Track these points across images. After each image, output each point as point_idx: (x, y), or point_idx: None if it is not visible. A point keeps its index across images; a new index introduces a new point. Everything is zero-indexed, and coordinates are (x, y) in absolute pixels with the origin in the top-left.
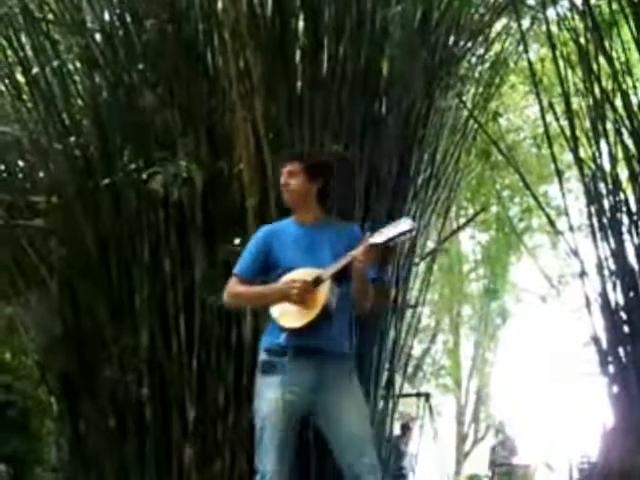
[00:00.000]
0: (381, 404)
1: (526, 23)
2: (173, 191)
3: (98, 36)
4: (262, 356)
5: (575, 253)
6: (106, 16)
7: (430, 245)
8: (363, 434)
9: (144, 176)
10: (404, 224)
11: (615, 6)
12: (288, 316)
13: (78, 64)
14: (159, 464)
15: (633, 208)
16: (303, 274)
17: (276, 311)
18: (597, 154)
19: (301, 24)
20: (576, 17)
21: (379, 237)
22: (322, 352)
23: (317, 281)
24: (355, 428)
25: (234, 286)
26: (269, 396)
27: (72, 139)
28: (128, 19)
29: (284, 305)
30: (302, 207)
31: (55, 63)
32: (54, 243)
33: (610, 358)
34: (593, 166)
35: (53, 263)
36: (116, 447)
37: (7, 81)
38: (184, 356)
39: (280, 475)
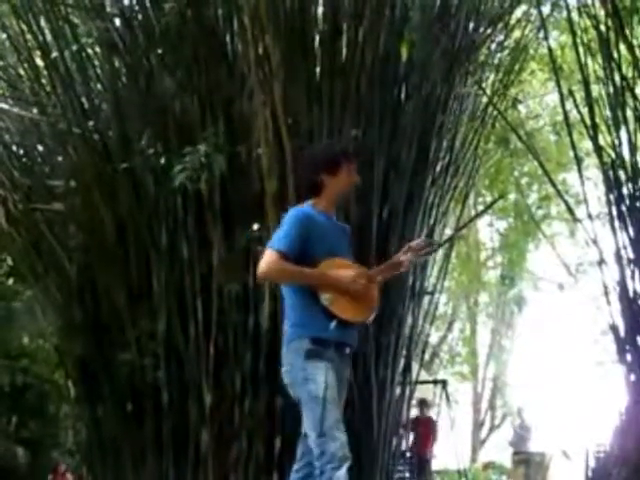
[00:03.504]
0: (398, 390)
1: (546, 10)
2: (196, 181)
3: (117, 20)
4: (306, 344)
5: (594, 241)
6: (125, 0)
7: (448, 232)
8: None
9: (162, 161)
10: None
11: None
12: (341, 306)
13: (97, 48)
14: (176, 448)
15: None
16: (343, 264)
17: (327, 299)
18: (617, 142)
19: (320, 9)
20: (597, 4)
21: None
22: (351, 348)
23: (371, 279)
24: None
25: (278, 261)
26: (322, 378)
27: (91, 123)
28: (147, 3)
29: (332, 294)
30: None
31: (74, 47)
32: (73, 227)
33: (628, 346)
34: (612, 154)
35: (72, 247)
36: (133, 431)
37: (26, 65)
38: (201, 341)
39: (348, 452)
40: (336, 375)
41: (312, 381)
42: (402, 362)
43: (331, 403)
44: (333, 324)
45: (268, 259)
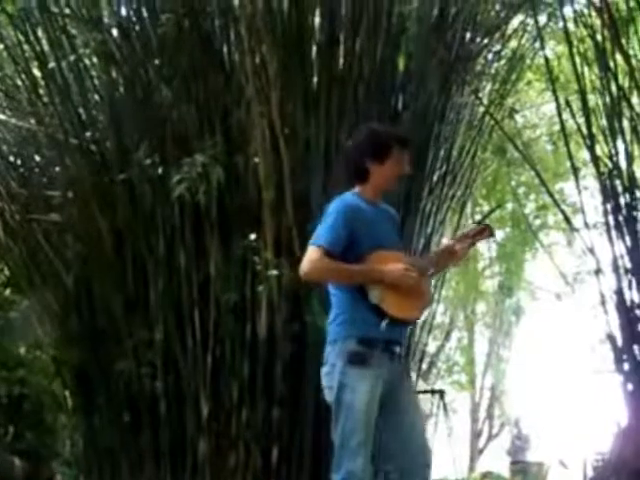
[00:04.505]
0: None
1: (543, 20)
2: (194, 192)
3: (115, 31)
4: (352, 345)
5: (591, 251)
6: (123, 11)
7: (445, 242)
8: (423, 435)
9: (160, 171)
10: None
11: (632, 3)
12: (392, 303)
13: (95, 59)
14: (173, 459)
15: None
16: (392, 258)
17: (376, 296)
18: (613, 152)
19: (317, 20)
20: (593, 14)
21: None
22: (401, 347)
23: (422, 271)
24: (417, 429)
25: (322, 259)
26: (362, 389)
27: (88, 134)
28: (145, 14)
29: (382, 290)
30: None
31: (72, 58)
32: (70, 238)
33: (625, 356)
34: (609, 164)
35: (69, 258)
36: (130, 441)
37: (24, 76)
38: (198, 351)
39: (368, 475)
40: (385, 380)
41: (350, 389)
42: None
43: (364, 417)
44: (384, 323)
45: (311, 257)
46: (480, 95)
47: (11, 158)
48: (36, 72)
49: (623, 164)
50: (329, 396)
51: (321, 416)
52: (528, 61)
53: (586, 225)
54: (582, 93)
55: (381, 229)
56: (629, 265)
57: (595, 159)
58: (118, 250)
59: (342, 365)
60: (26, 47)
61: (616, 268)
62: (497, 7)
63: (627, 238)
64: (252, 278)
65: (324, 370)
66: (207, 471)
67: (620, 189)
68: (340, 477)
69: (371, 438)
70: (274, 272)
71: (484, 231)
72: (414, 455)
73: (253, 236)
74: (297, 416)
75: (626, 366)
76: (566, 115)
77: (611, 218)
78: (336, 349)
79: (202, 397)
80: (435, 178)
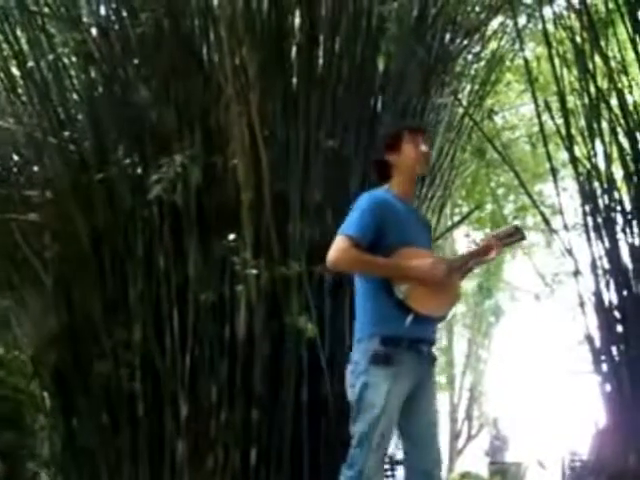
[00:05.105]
0: None
1: (522, 21)
2: (171, 192)
3: (94, 30)
4: (376, 345)
5: (569, 252)
6: (102, 10)
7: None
8: (436, 434)
9: (139, 171)
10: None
11: (611, 5)
12: (419, 299)
13: (73, 58)
14: (152, 459)
15: (627, 207)
16: (420, 254)
17: (402, 291)
18: (592, 153)
19: (297, 20)
20: (572, 16)
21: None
22: (429, 346)
23: (450, 268)
24: (433, 428)
25: (350, 249)
26: (385, 389)
27: (67, 133)
28: (124, 14)
29: (408, 286)
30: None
31: (50, 57)
32: (48, 238)
33: (603, 357)
34: (588, 165)
35: (47, 258)
36: (109, 442)
37: (2, 75)
38: (177, 352)
39: (379, 477)
40: (410, 379)
41: (372, 388)
42: None
43: (383, 418)
44: (409, 319)
45: (339, 245)
46: (459, 96)
47: None
48: (15, 71)
49: (602, 165)
50: (351, 395)
51: (300, 417)
52: (507, 62)
53: (565, 226)
54: (561, 94)
55: (411, 228)
56: (607, 266)
57: (574, 160)
58: (97, 250)
59: (365, 364)
60: (5, 46)
61: (594, 269)
62: (477, 8)
63: (605, 239)
64: (231, 278)
65: (348, 369)
66: (185, 472)
67: (599, 191)
68: (352, 474)
69: (389, 439)
70: (253, 272)
71: (515, 234)
72: (425, 456)
73: (232, 236)
74: (276, 417)
75: (604, 367)
76: (545, 116)
77: (590, 219)
78: (360, 348)
79: (181, 398)
80: None
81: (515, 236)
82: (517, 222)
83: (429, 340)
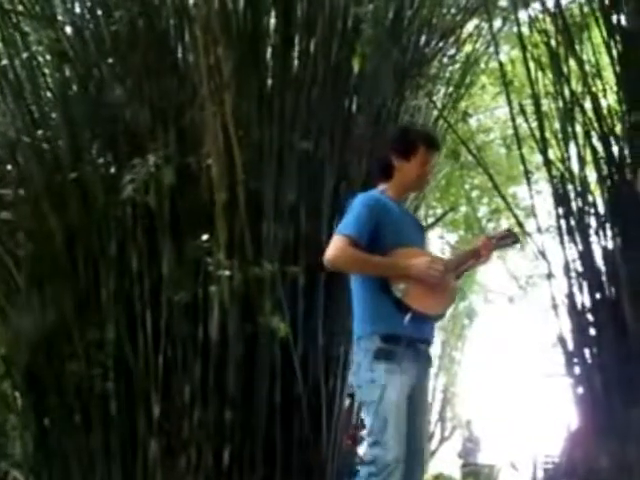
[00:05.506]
0: (347, 402)
1: (497, 24)
2: (144, 193)
3: (68, 29)
4: (377, 343)
5: (543, 254)
6: (77, 9)
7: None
8: (424, 439)
9: (112, 171)
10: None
11: (586, 9)
12: (416, 297)
13: (48, 57)
14: (124, 459)
15: (601, 210)
16: (417, 253)
17: (400, 290)
18: (566, 156)
19: (273, 21)
20: (547, 19)
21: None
22: (427, 344)
23: (447, 267)
24: (424, 430)
25: (348, 248)
26: (391, 383)
27: (40, 132)
28: (99, 12)
29: (406, 284)
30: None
31: (24, 55)
32: (21, 236)
33: (576, 359)
34: (562, 168)
35: (20, 256)
36: (81, 442)
37: None
38: (150, 352)
39: (400, 469)
40: (410, 376)
41: (379, 384)
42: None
43: (395, 410)
44: (407, 318)
45: (337, 245)
46: (434, 98)
47: None
48: None
49: (575, 168)
50: (359, 395)
51: (274, 417)
52: (482, 65)
53: (538, 229)
54: (535, 98)
55: (406, 229)
56: (580, 269)
57: (548, 163)
58: (70, 249)
59: (368, 362)
60: None
61: (568, 272)
62: (452, 11)
63: (579, 242)
64: (204, 279)
65: (351, 371)
66: (158, 472)
67: (572, 194)
68: (373, 470)
69: (403, 432)
70: (226, 273)
71: (509, 237)
72: (412, 457)
73: (205, 237)
74: (249, 417)
75: (576, 370)
76: (519, 119)
77: (563, 222)
78: (361, 347)
79: (153, 398)
80: None
81: (509, 239)
82: (491, 225)
83: (427, 339)
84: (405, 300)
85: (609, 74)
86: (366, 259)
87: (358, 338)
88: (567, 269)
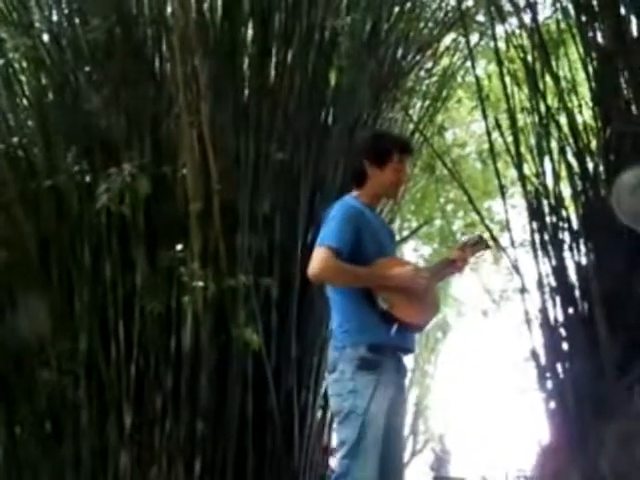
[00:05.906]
0: (319, 414)
1: (474, 39)
2: (118, 202)
3: (45, 36)
4: (362, 352)
5: (516, 269)
6: (54, 16)
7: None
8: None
9: (87, 179)
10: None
11: (563, 25)
12: (402, 308)
13: (24, 64)
14: (95, 469)
15: (575, 226)
16: (398, 263)
17: (385, 300)
18: (541, 171)
19: (250, 32)
20: (524, 35)
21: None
22: (410, 352)
23: (429, 277)
24: (400, 444)
25: (332, 260)
26: (372, 394)
27: (15, 139)
28: (76, 20)
29: (390, 295)
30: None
31: (1, 62)
32: None
33: (548, 374)
34: (537, 183)
35: None
36: (52, 451)
37: None
38: (122, 361)
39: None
40: (392, 389)
41: (359, 394)
42: (324, 386)
43: (377, 423)
44: (394, 328)
45: (321, 257)
46: (410, 112)
47: None
48: None
49: (550, 184)
50: (336, 404)
51: (245, 429)
52: (459, 79)
53: (512, 243)
54: (511, 112)
55: (383, 237)
56: (554, 284)
57: (523, 178)
58: (43, 258)
59: (352, 371)
60: None
61: (541, 287)
62: (429, 25)
63: (552, 257)
64: (178, 289)
65: (332, 377)
66: None
67: (547, 209)
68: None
69: (381, 445)
70: (200, 283)
71: (480, 242)
72: (389, 467)
73: (180, 247)
74: (221, 428)
75: (549, 384)
76: (495, 134)
77: (537, 237)
78: (345, 356)
79: (125, 408)
80: None
81: (480, 245)
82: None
83: (409, 349)
84: (391, 311)
85: (585, 90)
86: (351, 271)
87: (342, 347)
88: (540, 284)
